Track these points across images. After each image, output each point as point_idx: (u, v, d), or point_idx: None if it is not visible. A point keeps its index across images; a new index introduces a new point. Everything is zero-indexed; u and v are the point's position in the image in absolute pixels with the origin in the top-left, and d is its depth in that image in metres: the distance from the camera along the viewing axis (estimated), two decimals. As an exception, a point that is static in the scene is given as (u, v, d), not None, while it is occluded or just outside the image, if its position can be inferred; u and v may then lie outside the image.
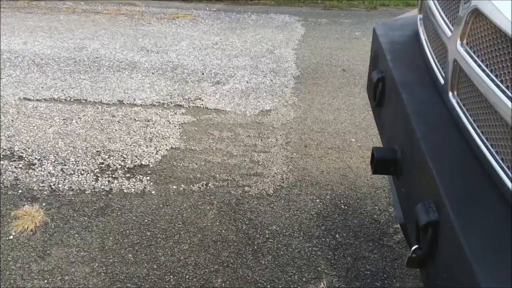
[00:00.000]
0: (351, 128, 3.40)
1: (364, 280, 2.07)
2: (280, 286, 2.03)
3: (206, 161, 2.90)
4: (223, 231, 2.33)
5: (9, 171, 2.74)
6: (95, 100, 3.67)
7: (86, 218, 2.39)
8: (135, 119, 3.40)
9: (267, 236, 2.31)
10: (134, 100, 3.70)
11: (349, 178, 2.79)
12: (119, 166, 2.82)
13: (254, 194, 2.61)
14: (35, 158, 2.87)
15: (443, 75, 1.43)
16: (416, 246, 1.15)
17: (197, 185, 2.67)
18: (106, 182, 2.67)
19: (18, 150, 2.95)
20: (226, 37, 5.37)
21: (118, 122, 3.35)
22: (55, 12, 6.27)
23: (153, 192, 2.61)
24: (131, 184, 2.66)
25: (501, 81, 1.05)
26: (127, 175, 2.74)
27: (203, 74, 4.28)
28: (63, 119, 3.36)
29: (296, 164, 2.91)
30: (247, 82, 4.13)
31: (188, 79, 4.16)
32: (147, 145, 3.06)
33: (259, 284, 2.03)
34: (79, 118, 3.39)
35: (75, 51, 4.72)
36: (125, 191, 2.60)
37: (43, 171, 2.74)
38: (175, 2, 7.00)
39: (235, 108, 3.63)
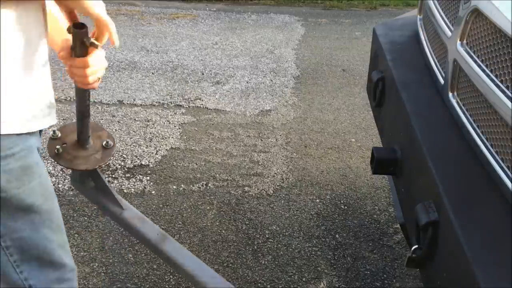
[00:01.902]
0: (351, 128, 3.40)
1: (364, 280, 2.07)
2: (280, 286, 2.03)
3: (206, 161, 2.90)
4: (223, 231, 2.33)
5: (9, 171, 2.74)
6: (95, 100, 3.67)
7: (86, 218, 2.39)
8: (135, 119, 3.40)
9: (267, 236, 2.31)
10: (134, 100, 3.70)
11: (349, 178, 2.79)
12: (119, 166, 2.82)
13: (254, 194, 2.61)
14: (35, 158, 2.87)
15: (443, 75, 1.44)
16: (416, 246, 1.15)
17: (197, 185, 2.67)
18: (106, 182, 2.67)
19: (18, 150, 2.95)
20: (226, 37, 5.37)
21: (118, 122, 3.35)
22: (55, 12, 6.27)
23: (153, 192, 2.61)
24: (131, 184, 2.66)
25: (501, 81, 1.06)
26: (127, 175, 2.74)
27: (203, 74, 4.28)
28: (63, 119, 3.36)
29: (296, 164, 2.91)
30: (247, 82, 4.13)
31: (188, 79, 4.16)
32: (147, 145, 3.06)
33: (259, 284, 2.03)
34: (79, 118, 3.39)
35: (75, 51, 4.72)
36: (125, 191, 2.60)
37: (43, 171, 2.74)
38: (175, 2, 7.00)
39: (235, 108, 3.63)
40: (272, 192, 2.64)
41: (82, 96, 1.24)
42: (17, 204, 1.00)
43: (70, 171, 1.59)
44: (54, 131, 1.33)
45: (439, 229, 1.06)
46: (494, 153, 1.08)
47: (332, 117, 3.55)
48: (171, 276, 2.05)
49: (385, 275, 2.10)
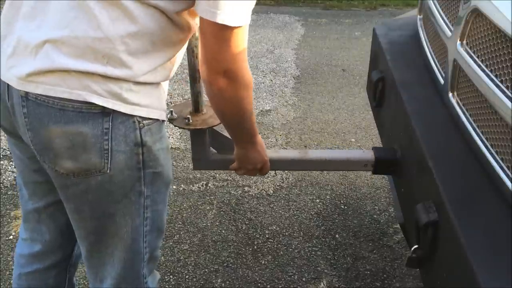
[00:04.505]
0: (351, 128, 3.40)
1: (364, 280, 2.07)
2: (280, 286, 2.03)
3: (206, 161, 2.90)
4: (223, 231, 2.33)
5: (9, 171, 2.74)
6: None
7: (86, 218, 2.39)
8: (135, 119, 3.39)
9: (267, 236, 2.31)
10: (134, 100, 3.69)
11: (349, 178, 2.79)
12: (119, 166, 2.82)
13: (254, 194, 2.61)
14: (35, 158, 2.87)
15: (443, 75, 1.44)
16: (416, 246, 1.15)
17: (197, 185, 2.67)
18: (106, 182, 2.67)
19: (18, 150, 2.95)
20: (226, 37, 5.37)
21: (118, 122, 3.35)
22: (55, 12, 6.26)
23: (153, 192, 2.60)
24: (131, 184, 2.66)
25: (501, 81, 1.06)
26: (127, 175, 2.74)
27: (203, 74, 4.28)
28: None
29: (296, 164, 2.90)
30: (247, 82, 4.13)
31: (188, 79, 4.15)
32: (147, 145, 3.05)
33: (259, 284, 2.03)
34: (79, 118, 3.39)
35: (75, 51, 4.71)
36: (125, 191, 2.60)
37: (43, 171, 2.74)
38: (175, 2, 7.00)
39: (235, 108, 3.62)
40: (272, 192, 2.64)
41: (192, 62, 1.46)
42: (164, 179, 1.15)
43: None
44: (171, 112, 1.55)
45: (439, 229, 1.06)
46: (494, 153, 1.08)
47: (332, 117, 3.55)
48: (171, 276, 2.05)
49: (385, 275, 2.10)
